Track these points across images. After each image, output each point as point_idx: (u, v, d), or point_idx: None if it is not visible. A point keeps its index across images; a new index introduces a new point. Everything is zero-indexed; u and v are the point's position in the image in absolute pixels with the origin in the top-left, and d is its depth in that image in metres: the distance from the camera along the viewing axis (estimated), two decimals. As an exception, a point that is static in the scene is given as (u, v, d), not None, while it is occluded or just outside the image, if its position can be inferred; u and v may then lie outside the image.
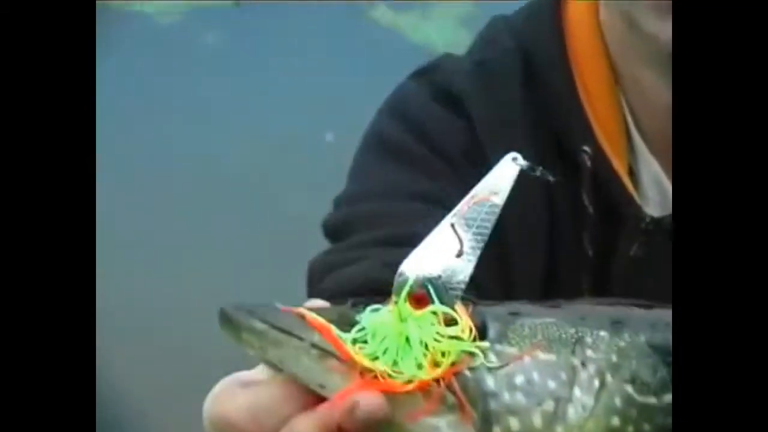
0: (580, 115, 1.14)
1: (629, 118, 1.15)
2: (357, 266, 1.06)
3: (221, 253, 4.01)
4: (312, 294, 1.06)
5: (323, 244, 1.22)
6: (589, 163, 1.11)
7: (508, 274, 1.13)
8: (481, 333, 0.68)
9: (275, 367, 0.68)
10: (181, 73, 4.89)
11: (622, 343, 0.69)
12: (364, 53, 5.09)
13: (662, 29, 0.99)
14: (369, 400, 0.64)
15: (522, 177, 0.75)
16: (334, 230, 1.21)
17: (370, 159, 1.25)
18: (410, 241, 0.75)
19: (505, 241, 1.10)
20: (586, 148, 1.11)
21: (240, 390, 0.70)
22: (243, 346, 0.68)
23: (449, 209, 0.73)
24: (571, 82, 1.14)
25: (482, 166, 0.77)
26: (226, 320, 0.69)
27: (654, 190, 1.15)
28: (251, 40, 5.26)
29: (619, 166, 1.13)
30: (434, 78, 1.23)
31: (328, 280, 1.09)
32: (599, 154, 1.12)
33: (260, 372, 0.72)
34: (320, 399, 0.67)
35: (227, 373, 0.73)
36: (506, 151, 0.75)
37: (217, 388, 0.71)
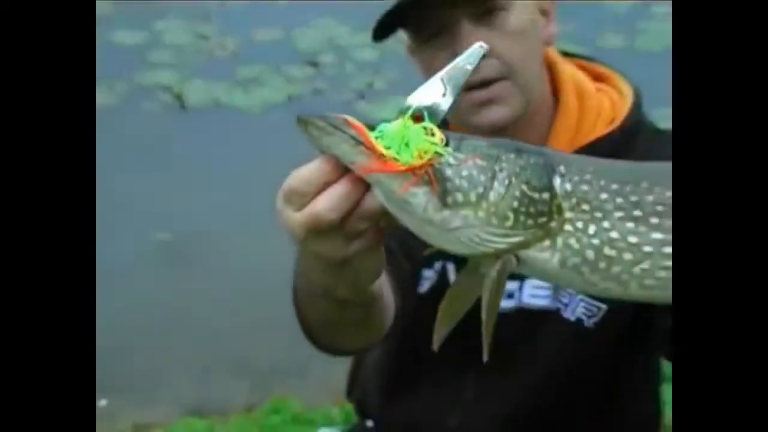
0: None
1: None
2: None
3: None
4: None
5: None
6: None
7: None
8: (445, 144, 1.04)
9: (326, 152, 1.03)
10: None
11: (522, 161, 1.07)
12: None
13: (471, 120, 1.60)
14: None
15: None
16: None
17: None
18: None
19: None
20: None
21: (304, 166, 1.04)
22: (308, 134, 1.02)
23: None
24: None
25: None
26: (301, 119, 1.01)
27: None
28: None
29: None
30: None
31: None
32: None
33: None
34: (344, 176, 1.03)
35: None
36: None
37: None
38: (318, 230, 1.03)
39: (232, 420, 3.34)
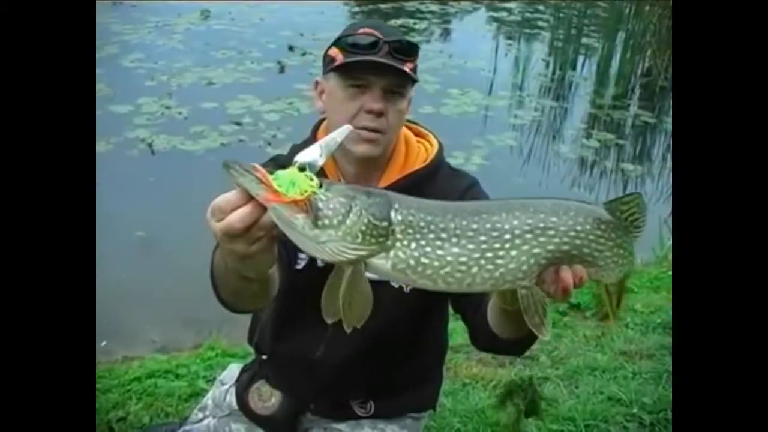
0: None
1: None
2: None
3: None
4: None
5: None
6: None
7: None
8: (319, 186, 1.03)
9: (240, 186, 1.02)
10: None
11: (370, 200, 1.05)
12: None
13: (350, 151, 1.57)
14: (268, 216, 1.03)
15: None
16: None
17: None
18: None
19: None
20: None
21: (226, 193, 1.04)
22: (229, 174, 1.01)
23: None
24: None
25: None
26: (225, 164, 1.01)
27: None
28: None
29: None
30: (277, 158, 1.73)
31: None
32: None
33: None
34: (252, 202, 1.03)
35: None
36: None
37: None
38: (230, 235, 1.04)
39: (184, 355, 3.19)
